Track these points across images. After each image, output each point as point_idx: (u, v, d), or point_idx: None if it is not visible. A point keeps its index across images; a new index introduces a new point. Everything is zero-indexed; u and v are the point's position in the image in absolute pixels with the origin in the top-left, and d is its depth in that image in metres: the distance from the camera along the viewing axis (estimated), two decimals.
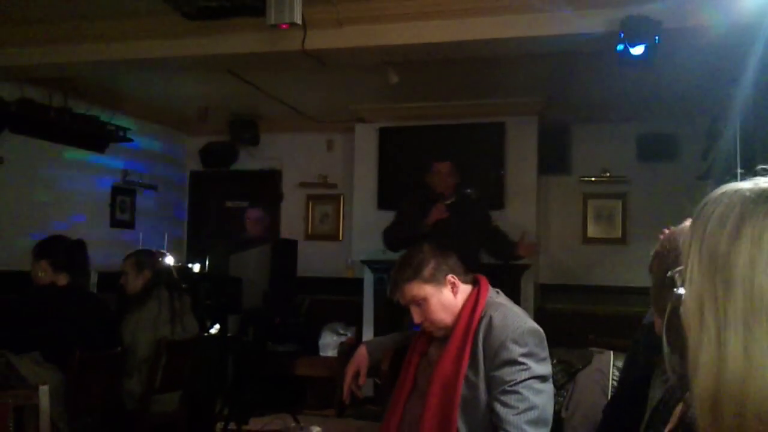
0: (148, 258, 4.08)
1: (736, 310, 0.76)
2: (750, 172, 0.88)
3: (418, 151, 6.44)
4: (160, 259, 4.33)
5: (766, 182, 0.82)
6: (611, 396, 2.51)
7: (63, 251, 3.66)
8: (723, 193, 0.83)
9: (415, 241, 4.40)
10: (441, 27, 4.12)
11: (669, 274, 0.90)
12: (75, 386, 3.26)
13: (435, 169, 5.09)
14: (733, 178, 0.89)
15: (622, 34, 3.74)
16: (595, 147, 6.56)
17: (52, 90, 5.66)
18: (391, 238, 5.13)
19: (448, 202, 4.95)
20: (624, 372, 2.37)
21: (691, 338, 0.80)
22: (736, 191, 0.82)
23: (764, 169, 0.88)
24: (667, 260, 1.47)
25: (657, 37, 3.70)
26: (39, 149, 5.72)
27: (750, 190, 0.82)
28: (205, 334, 4.81)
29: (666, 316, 0.91)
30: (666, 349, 0.95)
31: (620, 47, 3.73)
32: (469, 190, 5.23)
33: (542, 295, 6.53)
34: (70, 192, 6.09)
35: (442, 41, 4.18)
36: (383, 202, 6.56)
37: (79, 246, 3.76)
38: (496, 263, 5.32)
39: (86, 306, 3.68)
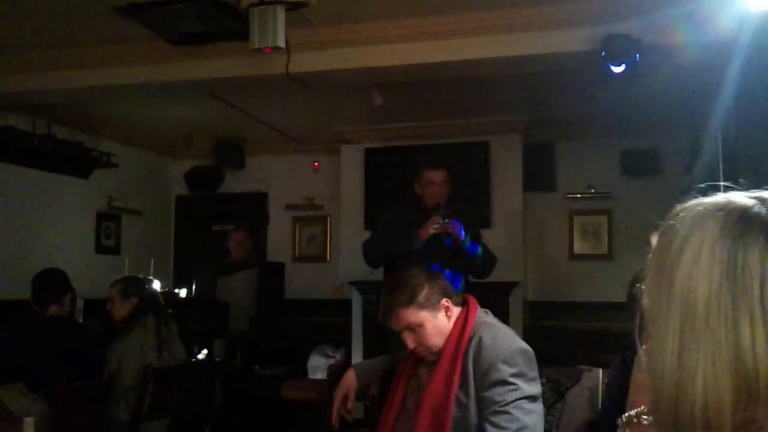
0: (134, 284, 4.05)
1: (675, 320, 0.81)
2: (732, 186, 0.91)
3: (403, 171, 6.45)
4: (147, 285, 4.30)
5: (726, 197, 0.87)
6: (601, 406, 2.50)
7: (35, 285, 3.78)
8: (686, 207, 0.88)
9: (404, 258, 4.13)
10: (424, 48, 4.14)
11: (637, 285, 0.95)
12: (61, 416, 3.22)
13: (426, 177, 4.42)
14: (716, 191, 0.92)
15: (603, 53, 3.78)
16: (580, 164, 6.61)
17: (35, 117, 5.64)
18: (376, 253, 4.52)
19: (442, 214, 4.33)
20: (611, 379, 2.36)
21: (647, 344, 0.86)
22: (697, 204, 0.87)
23: (740, 185, 0.91)
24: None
25: (637, 55, 3.74)
26: (23, 177, 5.69)
27: (706, 204, 0.86)
28: (193, 360, 4.77)
29: (637, 322, 0.98)
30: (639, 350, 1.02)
31: (602, 65, 3.77)
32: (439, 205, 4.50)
33: (531, 312, 6.53)
34: (55, 219, 6.05)
35: (425, 62, 4.20)
36: (370, 223, 6.55)
37: (43, 276, 3.83)
38: (485, 281, 5.26)
39: (68, 335, 3.66)
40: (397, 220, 4.52)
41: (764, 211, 0.82)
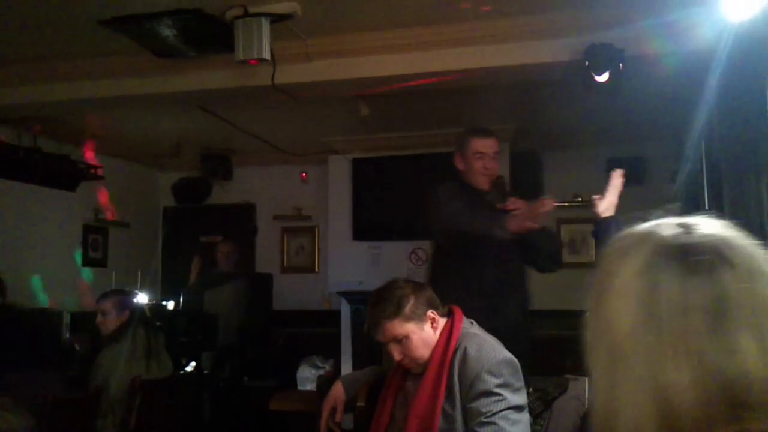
0: (129, 297, 4.06)
1: (603, 357, 0.83)
2: (716, 196, 0.91)
3: (391, 181, 6.47)
4: (134, 298, 4.31)
5: (651, 227, 0.85)
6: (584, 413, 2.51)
7: None
8: (614, 240, 0.88)
9: (480, 246, 3.28)
10: (409, 59, 4.16)
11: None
12: (48, 431, 3.20)
13: (474, 147, 3.37)
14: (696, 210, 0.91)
15: (587, 62, 3.81)
16: (566, 173, 6.63)
17: (20, 130, 5.61)
18: (461, 223, 3.28)
19: (491, 196, 3.40)
20: None
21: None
22: (623, 237, 0.86)
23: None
24: None
25: (621, 64, 3.77)
26: (9, 189, 5.66)
27: (630, 238, 0.85)
28: (181, 373, 4.75)
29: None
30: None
31: (586, 75, 3.80)
32: (501, 177, 3.54)
33: None
34: (41, 232, 6.01)
35: (410, 73, 4.22)
36: (358, 233, 6.57)
37: None
38: None
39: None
40: (459, 198, 3.44)
41: (684, 240, 0.81)
